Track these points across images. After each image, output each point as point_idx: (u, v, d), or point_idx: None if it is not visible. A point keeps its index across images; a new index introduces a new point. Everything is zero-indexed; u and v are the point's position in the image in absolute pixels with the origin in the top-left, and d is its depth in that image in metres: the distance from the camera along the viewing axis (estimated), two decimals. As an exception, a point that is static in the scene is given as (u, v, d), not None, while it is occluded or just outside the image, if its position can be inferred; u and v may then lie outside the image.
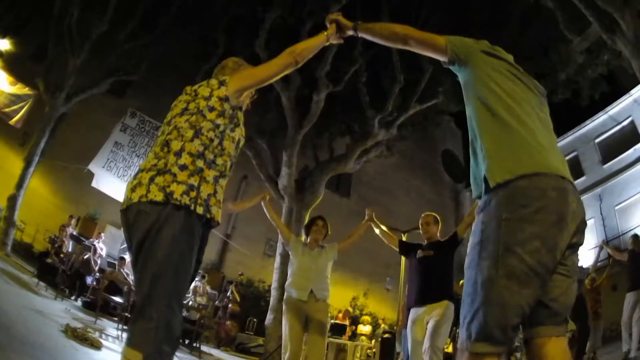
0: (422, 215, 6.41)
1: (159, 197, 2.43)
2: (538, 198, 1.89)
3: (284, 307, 5.83)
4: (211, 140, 2.68)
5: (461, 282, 3.40)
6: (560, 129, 23.51)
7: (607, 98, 18.30)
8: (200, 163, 2.59)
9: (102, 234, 14.88)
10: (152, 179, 2.49)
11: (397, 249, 6.57)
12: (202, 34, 16.14)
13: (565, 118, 21.37)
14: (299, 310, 5.70)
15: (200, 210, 2.51)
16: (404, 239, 9.61)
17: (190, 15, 16.21)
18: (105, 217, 16.78)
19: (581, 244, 2.05)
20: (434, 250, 5.95)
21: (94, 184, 15.90)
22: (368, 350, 14.12)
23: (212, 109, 2.75)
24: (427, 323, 5.51)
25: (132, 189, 2.54)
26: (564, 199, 1.92)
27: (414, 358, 5.56)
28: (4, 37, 16.40)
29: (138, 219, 2.46)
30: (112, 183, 15.88)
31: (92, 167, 15.96)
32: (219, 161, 2.70)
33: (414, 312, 5.75)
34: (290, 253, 6.22)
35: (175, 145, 2.60)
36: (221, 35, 15.25)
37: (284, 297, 5.91)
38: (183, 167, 2.53)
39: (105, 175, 15.98)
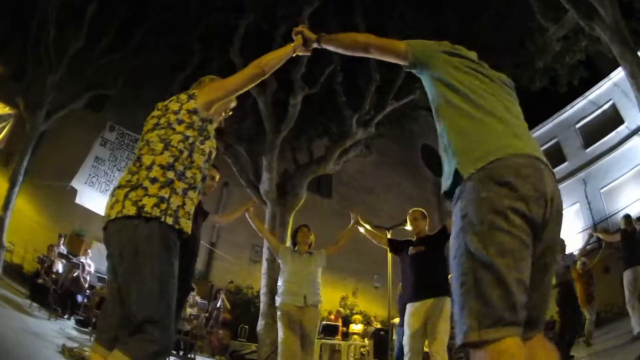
0: (410, 211, 6.50)
1: (132, 211, 2.49)
2: (513, 175, 1.86)
3: (278, 314, 5.88)
4: (181, 152, 2.74)
5: (450, 275, 3.39)
6: (540, 117, 23.75)
7: (586, 83, 18.33)
8: (170, 174, 2.65)
9: (89, 251, 14.74)
10: (126, 195, 2.56)
11: (387, 248, 6.63)
12: (177, 44, 16.05)
13: (545, 105, 21.54)
14: (293, 317, 5.77)
15: (169, 220, 2.55)
16: (389, 236, 9.61)
17: (165, 26, 16.11)
18: (91, 233, 16.59)
19: (557, 245, 2.01)
20: (424, 245, 6.01)
21: (77, 200, 15.79)
22: (362, 349, 14.14)
23: (180, 122, 2.82)
24: (426, 320, 5.54)
25: (110, 207, 2.60)
26: (539, 177, 1.91)
27: (407, 347, 5.56)
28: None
29: (114, 235, 2.55)
30: (95, 198, 15.76)
31: (75, 183, 15.84)
32: (189, 174, 2.75)
33: (410, 307, 5.76)
34: (280, 261, 6.27)
35: (147, 160, 2.68)
36: (196, 44, 15.20)
37: (278, 304, 5.95)
38: (154, 180, 2.60)
39: (88, 191, 15.89)
